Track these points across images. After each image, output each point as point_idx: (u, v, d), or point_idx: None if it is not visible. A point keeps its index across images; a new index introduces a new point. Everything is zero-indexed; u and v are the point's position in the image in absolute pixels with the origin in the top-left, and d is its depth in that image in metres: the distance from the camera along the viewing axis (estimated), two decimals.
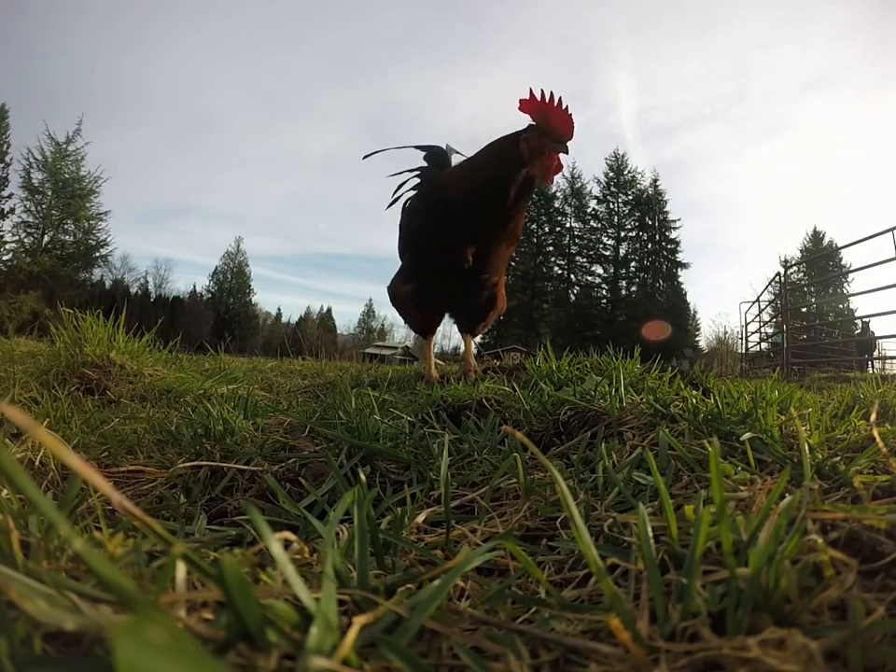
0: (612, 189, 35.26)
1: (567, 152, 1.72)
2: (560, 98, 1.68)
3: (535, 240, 34.50)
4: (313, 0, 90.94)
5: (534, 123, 1.73)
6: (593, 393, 1.09)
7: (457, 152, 2.40)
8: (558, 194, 35.41)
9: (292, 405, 1.62)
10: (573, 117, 1.70)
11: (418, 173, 2.37)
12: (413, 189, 2.34)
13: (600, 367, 1.54)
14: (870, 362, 8.97)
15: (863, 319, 8.63)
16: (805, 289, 24.60)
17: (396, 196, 2.33)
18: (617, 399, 1.01)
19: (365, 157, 2.31)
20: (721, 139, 71.60)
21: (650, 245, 34.97)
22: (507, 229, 1.88)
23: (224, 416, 1.04)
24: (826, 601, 0.34)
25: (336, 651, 0.28)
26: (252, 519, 0.32)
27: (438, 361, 2.51)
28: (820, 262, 28.98)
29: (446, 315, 2.23)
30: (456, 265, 1.87)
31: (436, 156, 2.37)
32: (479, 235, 1.84)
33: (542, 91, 1.68)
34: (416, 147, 2.36)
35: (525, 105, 1.71)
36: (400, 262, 2.22)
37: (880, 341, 9.20)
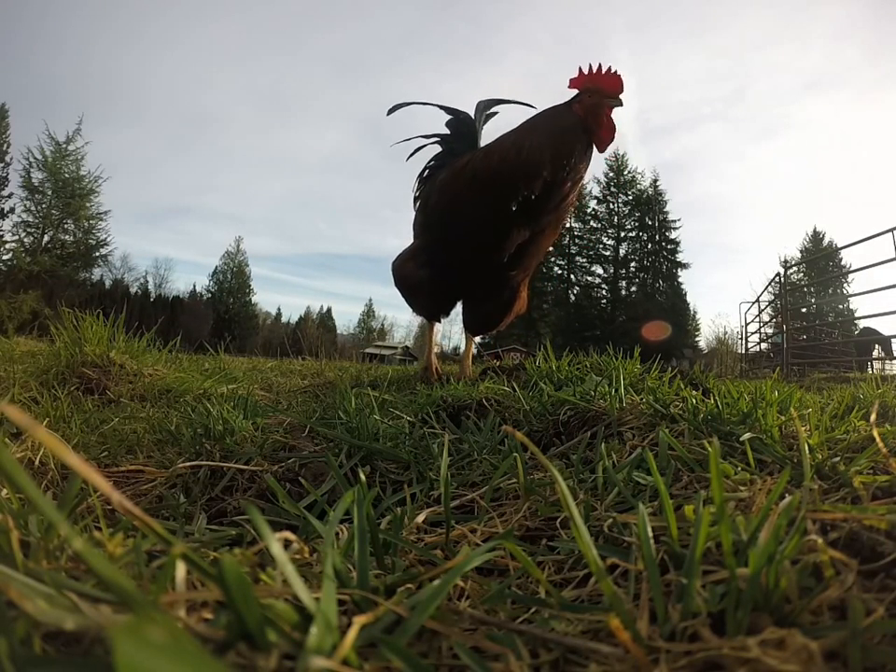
0: (612, 189, 35.23)
1: (621, 104, 1.72)
2: (608, 66, 1.72)
3: None
4: (313, 0, 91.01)
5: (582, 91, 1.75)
6: (592, 393, 1.09)
7: (502, 101, 2.26)
8: None
9: (292, 405, 1.62)
10: (621, 76, 1.72)
11: (438, 140, 2.23)
12: (434, 159, 2.22)
13: (600, 367, 1.54)
14: (870, 362, 8.97)
15: (882, 336, 8.61)
16: (805, 290, 24.61)
17: (416, 148, 2.22)
18: (617, 399, 1.01)
19: (389, 112, 2.19)
20: (721, 139, 71.76)
21: (650, 246, 34.95)
22: (561, 207, 1.78)
23: (224, 416, 1.04)
24: (826, 601, 0.34)
25: (336, 650, 0.28)
26: (252, 519, 0.32)
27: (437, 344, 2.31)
28: (820, 262, 28.98)
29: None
30: (486, 256, 1.77)
31: (462, 123, 2.23)
32: (533, 214, 1.72)
33: (590, 64, 1.74)
34: (442, 108, 2.23)
35: (575, 82, 1.75)
36: (414, 240, 2.07)
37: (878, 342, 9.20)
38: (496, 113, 2.31)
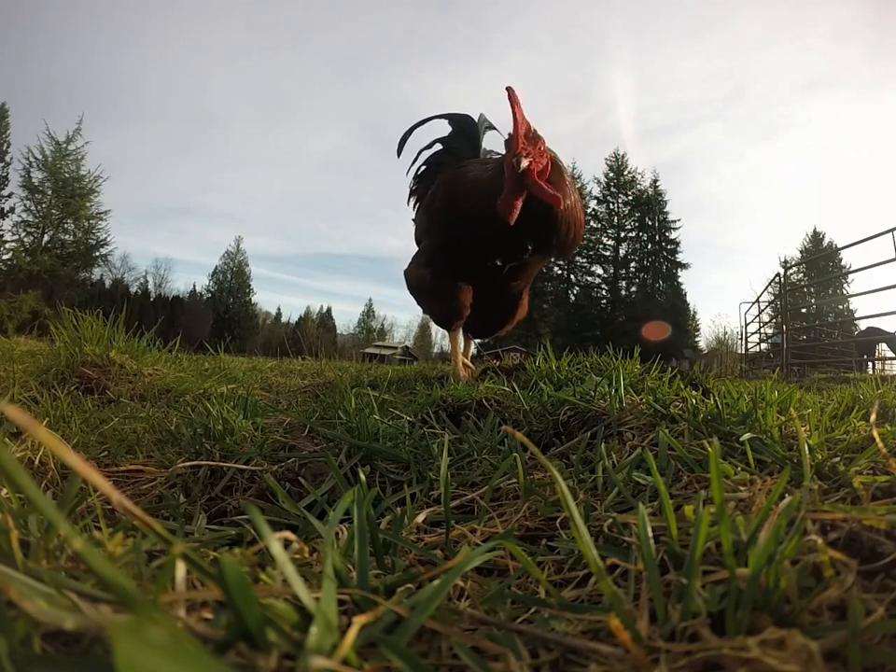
0: (612, 189, 35.23)
1: (518, 167, 1.33)
2: (516, 94, 1.34)
3: None
4: (312, 0, 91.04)
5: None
6: (592, 393, 1.09)
7: (492, 127, 2.19)
8: None
9: (292, 405, 1.62)
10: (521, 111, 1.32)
11: (439, 142, 2.18)
12: (434, 156, 2.18)
13: (600, 367, 1.54)
14: (872, 362, 8.98)
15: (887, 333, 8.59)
16: (805, 290, 24.61)
17: (414, 159, 2.17)
18: (617, 399, 1.01)
19: (399, 150, 2.10)
20: (721, 139, 71.87)
21: (650, 246, 34.95)
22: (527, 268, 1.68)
23: (224, 416, 1.04)
24: (826, 601, 0.34)
25: (336, 650, 0.27)
26: (252, 518, 0.32)
27: (467, 362, 1.98)
28: (820, 263, 29.02)
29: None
30: (483, 267, 1.71)
31: (463, 123, 2.13)
32: (507, 258, 1.64)
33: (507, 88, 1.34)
34: (442, 117, 2.16)
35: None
36: (417, 246, 2.02)
37: (881, 345, 9.20)
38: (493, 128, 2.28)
